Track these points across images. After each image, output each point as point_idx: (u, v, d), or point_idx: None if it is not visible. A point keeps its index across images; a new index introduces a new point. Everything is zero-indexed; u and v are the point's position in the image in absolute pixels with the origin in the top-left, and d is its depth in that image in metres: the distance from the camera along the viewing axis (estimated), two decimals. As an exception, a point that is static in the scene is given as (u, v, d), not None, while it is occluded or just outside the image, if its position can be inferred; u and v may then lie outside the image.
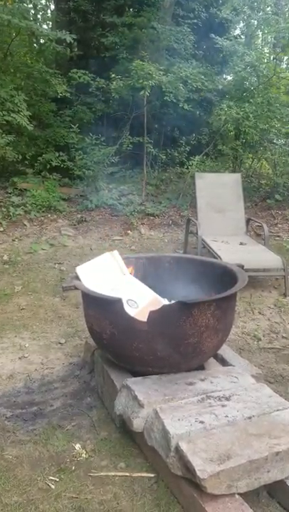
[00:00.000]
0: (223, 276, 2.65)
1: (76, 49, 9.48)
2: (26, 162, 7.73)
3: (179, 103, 7.21)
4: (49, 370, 2.93)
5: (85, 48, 9.31)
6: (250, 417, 1.96)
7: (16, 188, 7.23)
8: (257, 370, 2.57)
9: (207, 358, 2.50)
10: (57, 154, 7.64)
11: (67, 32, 7.17)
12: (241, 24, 11.59)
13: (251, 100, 7.40)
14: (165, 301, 2.67)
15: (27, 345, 3.25)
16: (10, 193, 7.11)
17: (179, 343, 2.22)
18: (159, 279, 2.92)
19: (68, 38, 6.91)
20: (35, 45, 9.67)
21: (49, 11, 11.41)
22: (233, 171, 8.40)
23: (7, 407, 2.53)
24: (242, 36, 11.31)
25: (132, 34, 8.31)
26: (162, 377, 2.27)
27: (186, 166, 7.83)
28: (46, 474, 2.00)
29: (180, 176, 8.73)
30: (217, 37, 7.97)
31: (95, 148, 7.28)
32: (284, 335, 3.54)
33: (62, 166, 7.58)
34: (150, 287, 2.75)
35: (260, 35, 12.47)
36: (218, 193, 5.33)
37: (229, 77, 10.02)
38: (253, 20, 10.52)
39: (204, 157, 8.36)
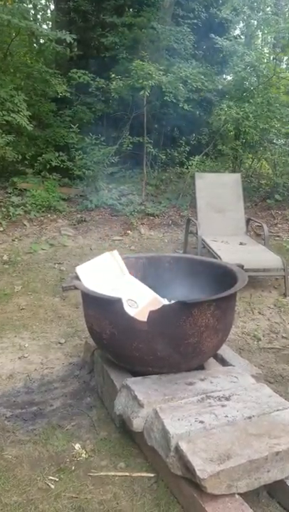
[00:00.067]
0: (223, 276, 2.65)
1: (76, 49, 9.49)
2: (26, 162, 7.73)
3: (179, 103, 7.21)
4: (49, 370, 2.93)
5: (84, 48, 9.31)
6: (250, 417, 1.96)
7: (16, 188, 7.23)
8: (257, 370, 2.57)
9: (207, 358, 2.50)
10: (57, 154, 7.64)
11: (67, 32, 7.17)
12: (241, 24, 11.59)
13: (251, 100, 7.40)
14: (165, 301, 2.68)
15: (27, 345, 3.25)
16: (10, 193, 7.11)
17: (178, 343, 2.22)
18: (159, 279, 2.92)
19: (68, 38, 6.91)
20: (35, 45, 9.67)
21: (49, 11, 11.42)
22: (233, 171, 8.41)
23: (7, 406, 2.53)
24: (242, 36, 11.31)
25: (132, 34, 8.31)
26: (162, 377, 2.27)
27: (186, 166, 7.83)
28: (46, 474, 2.00)
29: (180, 176, 8.73)
30: (217, 37, 7.97)
31: (94, 148, 7.28)
32: (284, 335, 3.54)
33: (62, 166, 7.58)
34: (150, 287, 2.75)
35: (260, 36, 12.48)
36: (218, 193, 5.33)
37: (229, 77, 10.03)
38: (252, 21, 10.53)
39: (204, 157, 8.37)
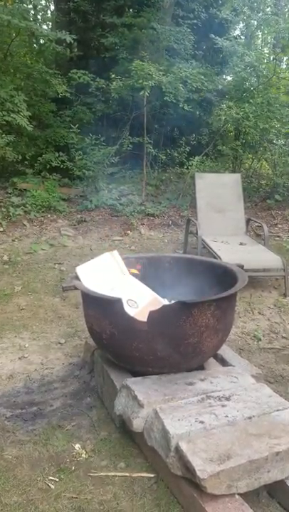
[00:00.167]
0: (223, 277, 2.65)
1: (76, 49, 9.50)
2: (26, 162, 7.73)
3: (179, 103, 7.21)
4: (49, 370, 2.93)
5: (84, 49, 9.32)
6: (250, 417, 1.96)
7: (16, 189, 7.23)
8: (257, 370, 2.57)
9: (207, 358, 2.49)
10: (57, 154, 7.64)
11: (67, 32, 7.17)
12: (241, 24, 11.59)
13: (251, 100, 7.41)
14: (165, 301, 2.67)
15: (27, 346, 3.25)
16: (10, 194, 7.11)
17: (178, 343, 2.22)
18: (159, 279, 2.92)
19: (68, 39, 6.91)
20: (35, 45, 9.67)
21: (49, 12, 11.42)
22: (233, 171, 8.41)
23: (7, 407, 2.53)
24: (242, 36, 11.32)
25: (132, 34, 8.32)
26: (162, 377, 2.27)
27: (186, 167, 7.84)
28: (46, 474, 2.00)
29: (180, 176, 8.73)
30: (217, 37, 7.98)
31: (94, 148, 7.29)
32: (284, 335, 3.54)
33: (62, 166, 7.58)
34: (150, 287, 2.75)
35: (260, 36, 12.48)
36: (218, 193, 5.33)
37: (229, 78, 10.03)
38: (252, 21, 10.51)
39: (204, 157, 8.36)
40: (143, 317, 2.22)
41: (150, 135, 7.90)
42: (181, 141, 8.59)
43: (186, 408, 2.00)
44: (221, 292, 2.33)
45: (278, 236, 6.32)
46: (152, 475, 1.99)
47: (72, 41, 7.35)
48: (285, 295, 4.24)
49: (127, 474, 1.99)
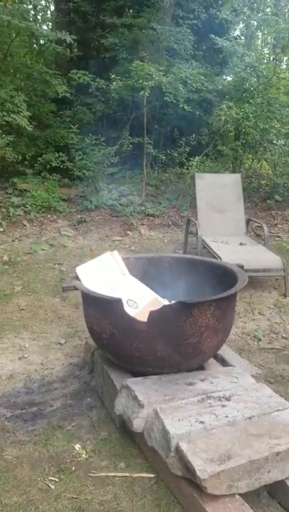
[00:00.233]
0: (223, 277, 2.65)
1: (76, 50, 9.49)
2: (26, 163, 7.73)
3: (179, 103, 7.21)
4: (49, 371, 2.93)
5: (84, 49, 9.32)
6: (250, 417, 1.96)
7: (16, 189, 7.23)
8: (257, 370, 2.57)
9: (207, 358, 2.49)
10: (57, 155, 7.64)
11: (67, 33, 7.16)
12: (241, 25, 11.59)
13: (251, 101, 7.41)
14: (165, 302, 2.67)
15: (27, 346, 3.24)
16: (10, 194, 7.11)
17: (179, 343, 2.22)
18: (159, 279, 2.92)
19: (68, 39, 6.91)
20: (35, 45, 9.68)
21: (49, 12, 11.43)
22: (233, 172, 8.41)
23: (7, 407, 2.53)
24: (242, 37, 11.33)
25: (132, 35, 8.31)
26: (162, 378, 2.27)
27: (186, 167, 7.84)
28: (46, 475, 2.00)
29: (180, 176, 8.73)
30: (217, 37, 7.98)
31: (94, 148, 7.29)
32: (284, 335, 3.54)
33: (62, 166, 7.58)
34: (150, 287, 2.75)
35: (260, 36, 12.50)
36: (218, 194, 5.33)
37: (229, 78, 10.03)
38: (252, 21, 10.52)
39: (204, 157, 8.36)
40: (143, 317, 2.21)
41: (150, 135, 7.90)
42: (181, 142, 8.59)
43: (187, 408, 2.00)
44: (221, 292, 2.33)
45: (278, 236, 6.32)
46: (152, 475, 1.99)
47: (72, 41, 7.35)
48: (285, 295, 4.24)
49: (127, 474, 1.99)
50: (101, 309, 2.37)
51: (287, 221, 7.05)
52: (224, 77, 10.23)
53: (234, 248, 4.61)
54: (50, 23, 11.07)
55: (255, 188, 8.34)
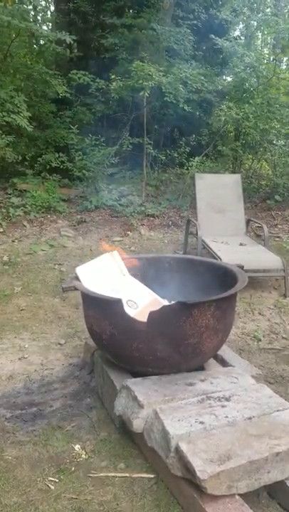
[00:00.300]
0: (223, 277, 2.65)
1: (76, 50, 9.49)
2: (26, 163, 7.73)
3: (179, 104, 7.20)
4: (49, 371, 2.93)
5: (84, 49, 9.32)
6: (250, 418, 1.96)
7: (16, 189, 7.23)
8: (257, 370, 2.57)
9: (207, 359, 2.49)
10: (57, 155, 7.63)
11: (67, 33, 7.16)
12: (241, 25, 11.60)
13: (251, 101, 7.41)
14: (165, 302, 2.67)
15: (27, 346, 3.24)
16: (10, 194, 7.11)
17: (178, 344, 2.22)
18: (159, 279, 2.92)
19: (68, 39, 6.91)
20: (35, 46, 9.67)
21: (49, 12, 11.43)
22: (233, 172, 8.41)
23: (7, 407, 2.52)
24: (241, 37, 11.33)
25: (132, 35, 8.31)
26: (162, 378, 2.26)
27: (185, 167, 7.83)
28: (46, 475, 2.00)
29: (180, 176, 8.73)
30: (217, 38, 7.98)
31: (94, 149, 7.29)
32: (284, 335, 3.54)
33: (62, 166, 7.57)
34: (150, 288, 2.75)
35: (260, 36, 12.50)
36: (218, 194, 5.33)
37: (229, 78, 10.03)
38: (252, 22, 10.52)
39: (204, 158, 8.36)
40: (143, 317, 2.22)
41: (150, 135, 7.90)
42: (181, 142, 8.59)
43: (186, 409, 2.00)
44: (221, 293, 2.32)
45: (278, 236, 6.32)
46: (152, 476, 1.99)
47: (72, 42, 7.35)
48: (285, 295, 4.24)
49: (127, 475, 1.99)
50: (101, 310, 2.37)
51: (287, 221, 7.05)
52: (224, 77, 10.23)
53: (234, 248, 4.61)
54: (50, 24, 11.07)
55: (255, 189, 8.34)
